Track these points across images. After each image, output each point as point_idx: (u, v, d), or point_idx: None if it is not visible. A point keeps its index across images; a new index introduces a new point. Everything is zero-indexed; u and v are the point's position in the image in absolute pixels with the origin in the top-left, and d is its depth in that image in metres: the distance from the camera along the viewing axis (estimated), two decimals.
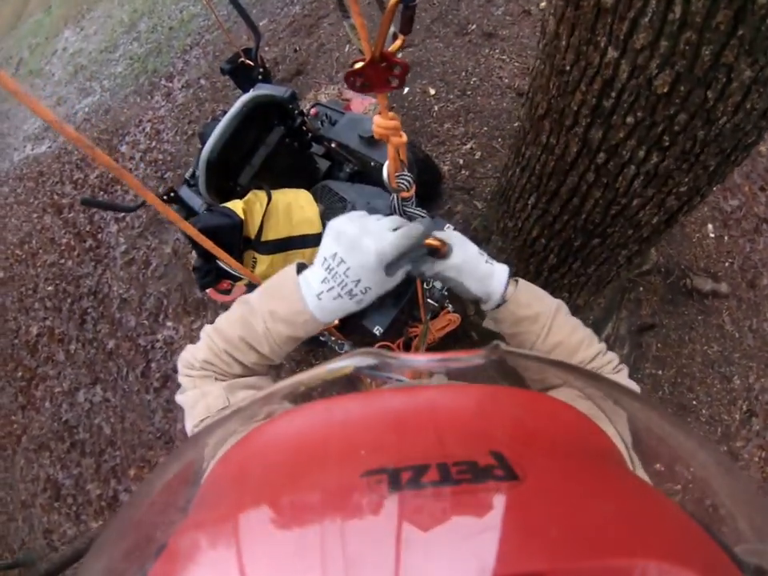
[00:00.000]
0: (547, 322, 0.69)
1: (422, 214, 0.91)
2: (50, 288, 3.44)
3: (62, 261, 3.54)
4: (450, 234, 0.69)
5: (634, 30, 0.77)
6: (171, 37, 4.69)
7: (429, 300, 1.75)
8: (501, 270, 0.69)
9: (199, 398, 0.65)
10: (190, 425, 0.64)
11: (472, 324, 2.17)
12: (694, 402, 2.07)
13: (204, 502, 0.30)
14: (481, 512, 0.22)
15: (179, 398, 0.69)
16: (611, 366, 0.70)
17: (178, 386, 0.70)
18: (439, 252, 0.66)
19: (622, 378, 0.70)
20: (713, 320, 2.21)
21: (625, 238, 1.31)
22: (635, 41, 0.78)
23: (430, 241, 0.64)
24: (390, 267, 0.59)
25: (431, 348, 2.08)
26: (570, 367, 0.52)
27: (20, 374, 3.14)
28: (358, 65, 0.63)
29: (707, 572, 0.20)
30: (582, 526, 0.22)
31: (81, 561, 2.27)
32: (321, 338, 1.41)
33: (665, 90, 0.82)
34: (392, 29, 0.66)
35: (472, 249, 0.69)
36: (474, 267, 0.67)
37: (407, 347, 2.13)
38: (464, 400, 0.34)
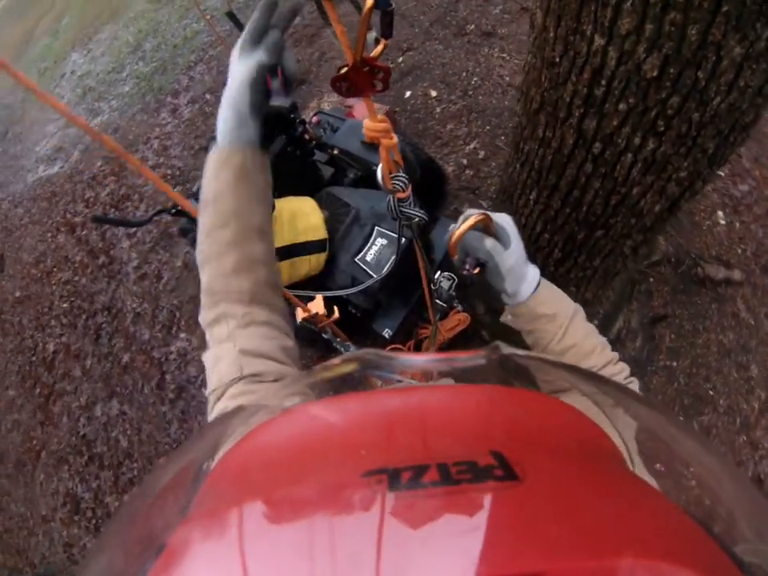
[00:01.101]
0: (564, 323, 0.70)
1: (420, 215, 0.91)
2: (65, 305, 3.50)
3: (76, 278, 3.60)
4: (509, 226, 0.70)
5: (618, 16, 0.77)
6: (176, 54, 4.78)
7: (437, 300, 1.75)
8: (533, 274, 0.70)
9: (215, 364, 0.64)
10: (209, 389, 0.64)
11: (482, 323, 2.16)
12: (711, 393, 2.03)
13: (204, 501, 0.30)
14: (479, 512, 0.22)
15: (203, 357, 0.69)
16: (622, 375, 0.71)
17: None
18: (488, 229, 0.68)
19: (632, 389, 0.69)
20: (727, 308, 2.17)
21: (628, 227, 1.29)
22: (620, 26, 0.78)
23: (479, 218, 0.67)
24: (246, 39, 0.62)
25: (442, 348, 2.07)
26: (570, 368, 0.52)
27: (38, 390, 3.19)
28: (343, 70, 0.64)
29: (707, 572, 0.20)
30: (581, 525, 0.21)
31: None
32: (324, 335, 1.41)
33: (654, 74, 0.81)
34: (374, 34, 0.68)
35: (521, 247, 0.70)
36: (519, 269, 0.69)
37: (418, 348, 2.12)
38: (464, 400, 0.34)
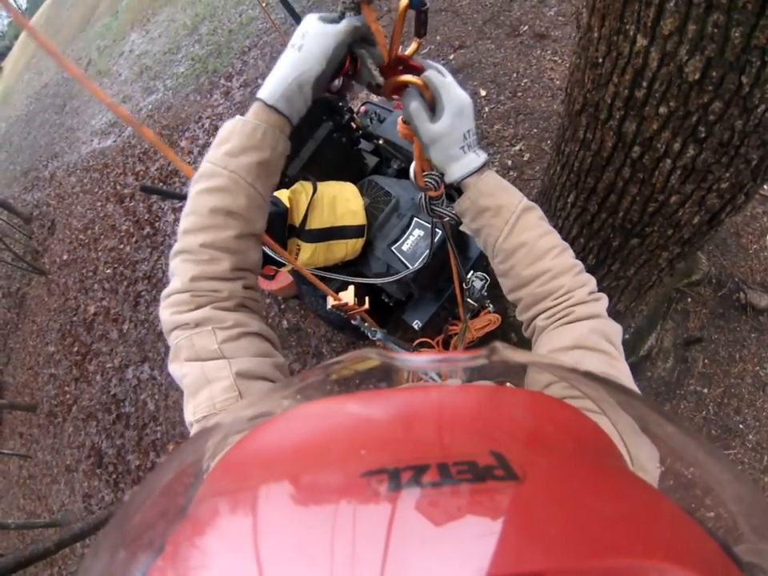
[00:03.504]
0: (511, 218, 0.65)
1: (451, 215, 0.91)
2: (108, 271, 3.65)
3: (121, 246, 3.75)
4: (451, 101, 0.63)
5: (661, 16, 0.75)
6: (231, 39, 4.91)
7: (468, 299, 1.75)
8: (472, 159, 0.66)
9: (203, 385, 0.56)
10: (190, 414, 0.56)
11: (512, 326, 2.14)
12: (741, 426, 1.94)
13: (203, 503, 0.30)
14: (480, 512, 0.22)
15: (175, 368, 0.59)
16: (585, 290, 0.64)
17: None
18: (425, 94, 0.64)
19: (599, 307, 0.64)
20: (767, 338, 2.08)
21: (665, 238, 1.26)
22: (663, 27, 0.76)
23: (413, 81, 0.62)
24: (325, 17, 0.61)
25: (471, 347, 2.06)
26: (570, 369, 0.51)
27: (76, 348, 3.35)
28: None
29: (708, 572, 0.20)
30: (582, 525, 0.21)
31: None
32: (352, 321, 1.43)
33: (696, 77, 0.79)
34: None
35: (460, 127, 0.64)
36: (448, 146, 0.65)
37: (446, 344, 2.13)
38: (464, 400, 0.34)
